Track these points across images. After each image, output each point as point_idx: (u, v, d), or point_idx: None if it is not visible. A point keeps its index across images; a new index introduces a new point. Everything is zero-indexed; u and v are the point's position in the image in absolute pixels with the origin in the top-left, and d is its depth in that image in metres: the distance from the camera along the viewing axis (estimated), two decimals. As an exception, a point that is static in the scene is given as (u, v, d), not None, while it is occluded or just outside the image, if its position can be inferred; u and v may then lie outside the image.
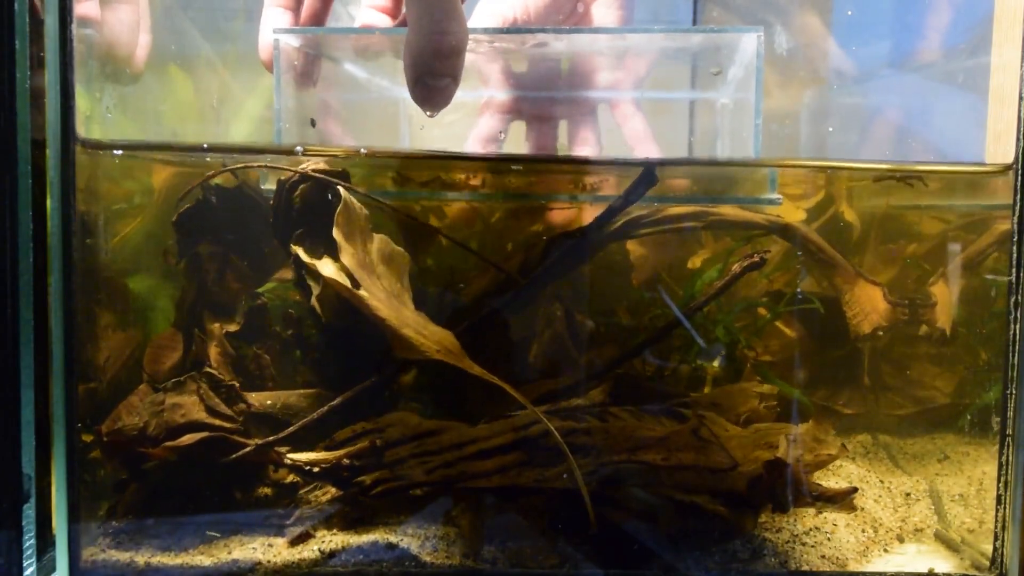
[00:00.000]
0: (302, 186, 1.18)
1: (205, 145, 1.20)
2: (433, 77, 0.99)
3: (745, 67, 1.20)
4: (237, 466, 1.14)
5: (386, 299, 1.14)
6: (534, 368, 1.33)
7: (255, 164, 1.20)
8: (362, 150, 1.19)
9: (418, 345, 1.10)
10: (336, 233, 1.13)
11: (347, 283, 1.12)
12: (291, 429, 1.15)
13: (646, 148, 1.31)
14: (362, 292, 1.12)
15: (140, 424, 1.12)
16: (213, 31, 1.35)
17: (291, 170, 1.18)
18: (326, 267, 1.14)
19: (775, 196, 1.27)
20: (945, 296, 1.36)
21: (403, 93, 1.41)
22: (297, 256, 1.18)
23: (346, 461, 1.11)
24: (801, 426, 1.19)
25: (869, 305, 1.39)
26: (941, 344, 1.38)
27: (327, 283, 1.14)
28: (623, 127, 1.29)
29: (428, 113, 1.04)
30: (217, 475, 1.15)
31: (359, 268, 1.14)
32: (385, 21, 1.22)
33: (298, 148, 1.20)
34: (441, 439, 1.11)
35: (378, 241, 1.19)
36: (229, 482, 1.15)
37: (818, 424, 1.19)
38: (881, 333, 1.39)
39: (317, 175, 1.17)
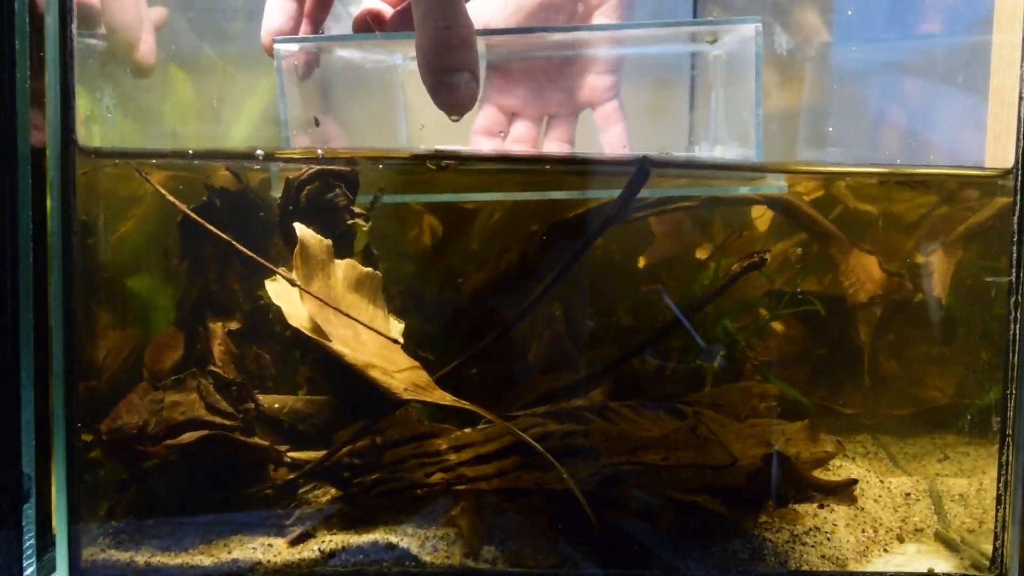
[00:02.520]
0: (309, 186, 1.18)
1: (190, 152, 1.19)
2: (448, 73, 0.99)
3: (742, 39, 1.19)
4: (237, 466, 1.14)
5: (354, 336, 1.13)
6: (533, 367, 1.33)
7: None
8: (319, 151, 1.18)
9: (386, 387, 1.09)
10: (296, 276, 1.12)
11: (311, 328, 1.11)
12: (316, 464, 1.14)
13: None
14: (325, 340, 1.10)
15: (140, 422, 1.12)
16: (213, 31, 1.35)
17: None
18: (294, 316, 1.13)
19: (780, 183, 1.26)
20: (943, 266, 1.36)
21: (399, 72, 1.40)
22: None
23: (346, 460, 1.10)
24: (797, 423, 1.18)
25: (864, 274, 1.39)
26: (938, 314, 1.37)
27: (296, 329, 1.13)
28: (602, 131, 1.28)
29: (453, 118, 1.04)
30: (217, 475, 1.15)
31: (322, 310, 1.12)
32: (387, 9, 1.22)
33: (258, 152, 1.19)
34: (440, 442, 1.11)
35: (344, 268, 1.18)
36: (229, 482, 1.15)
37: (814, 423, 1.19)
38: (876, 304, 1.39)
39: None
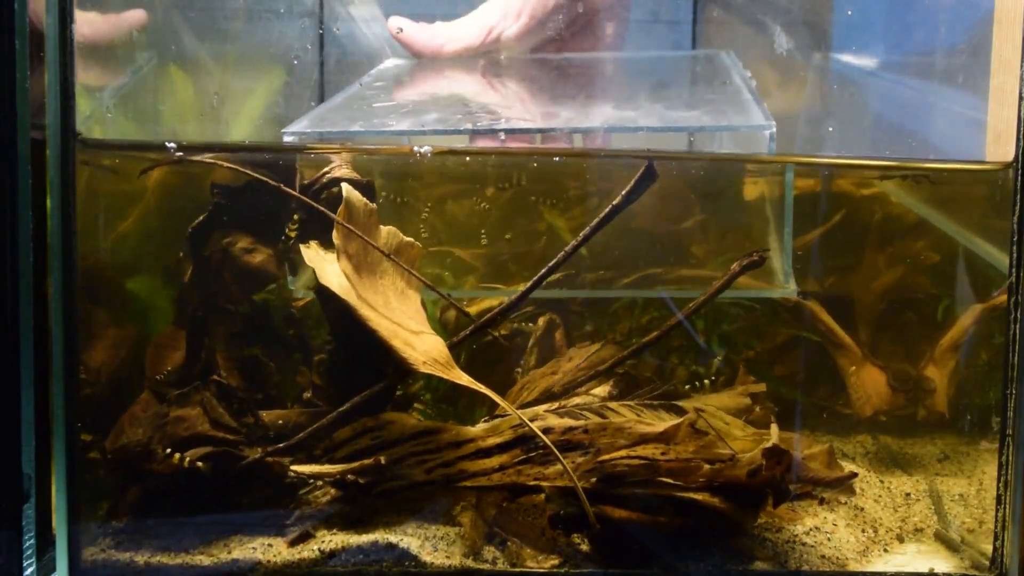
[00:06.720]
0: (326, 192, 1.18)
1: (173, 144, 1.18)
2: None
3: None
4: (240, 472, 1.15)
5: (383, 303, 1.13)
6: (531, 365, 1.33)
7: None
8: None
9: (405, 358, 1.09)
10: (335, 235, 1.12)
11: (342, 290, 1.11)
12: (296, 439, 1.14)
13: None
14: (354, 301, 1.10)
15: (144, 439, 1.11)
16: (213, 31, 1.35)
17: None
18: (328, 275, 1.12)
19: (789, 287, 1.25)
20: (944, 380, 1.36)
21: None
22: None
23: (350, 478, 1.10)
24: (815, 448, 1.18)
25: (872, 388, 1.40)
26: (938, 427, 1.39)
27: (325, 290, 1.13)
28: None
29: None
30: (218, 478, 1.15)
31: (357, 271, 1.13)
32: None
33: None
34: (439, 438, 1.11)
35: (384, 234, 1.17)
36: (229, 484, 1.15)
37: (831, 451, 1.18)
38: (884, 419, 1.40)
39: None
